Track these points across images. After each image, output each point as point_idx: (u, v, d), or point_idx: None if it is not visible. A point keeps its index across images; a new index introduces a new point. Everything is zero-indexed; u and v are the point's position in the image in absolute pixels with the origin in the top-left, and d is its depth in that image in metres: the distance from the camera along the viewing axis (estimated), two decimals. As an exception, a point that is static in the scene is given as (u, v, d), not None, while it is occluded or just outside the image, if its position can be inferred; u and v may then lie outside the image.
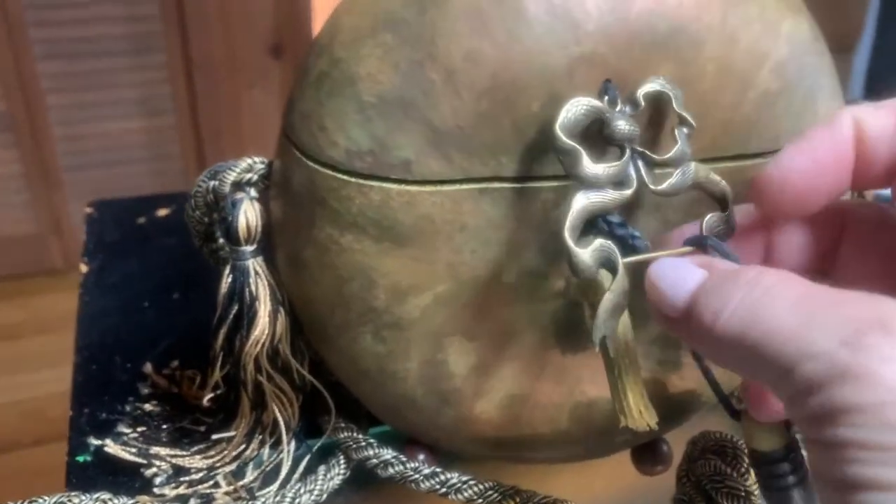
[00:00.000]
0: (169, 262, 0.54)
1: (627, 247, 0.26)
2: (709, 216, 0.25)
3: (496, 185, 0.28)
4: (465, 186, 0.27)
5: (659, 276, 0.22)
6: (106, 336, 0.46)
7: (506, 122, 0.26)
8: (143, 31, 1.49)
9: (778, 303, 0.19)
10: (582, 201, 0.25)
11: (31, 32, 1.39)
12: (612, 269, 0.25)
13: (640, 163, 0.26)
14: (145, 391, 0.42)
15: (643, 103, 0.26)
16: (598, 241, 0.25)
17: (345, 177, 0.28)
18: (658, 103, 0.27)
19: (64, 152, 1.51)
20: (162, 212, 0.59)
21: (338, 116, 0.28)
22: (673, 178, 0.26)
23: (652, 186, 0.26)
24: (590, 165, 0.25)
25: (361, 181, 0.28)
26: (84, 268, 0.52)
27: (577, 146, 0.25)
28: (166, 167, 1.58)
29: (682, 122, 0.27)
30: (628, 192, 0.26)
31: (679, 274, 0.22)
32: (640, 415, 0.29)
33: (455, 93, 0.26)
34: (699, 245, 0.25)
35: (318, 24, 1.60)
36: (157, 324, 0.47)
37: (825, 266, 0.26)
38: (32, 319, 1.43)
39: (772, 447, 0.28)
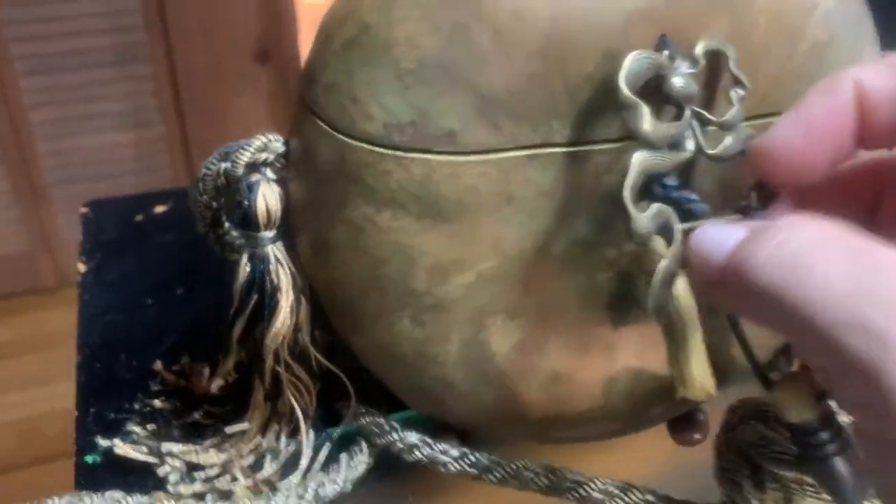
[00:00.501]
0: (169, 258, 0.52)
1: (684, 211, 0.24)
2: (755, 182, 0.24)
3: (546, 150, 0.26)
4: (513, 154, 0.26)
5: (701, 239, 0.21)
6: (108, 334, 0.44)
7: (558, 84, 0.25)
8: (127, 41, 1.47)
9: (821, 259, 0.17)
10: (642, 160, 0.24)
11: (12, 48, 1.37)
12: (669, 235, 0.24)
13: (696, 123, 0.25)
14: (154, 388, 0.40)
15: (702, 61, 0.25)
16: (657, 206, 0.24)
17: (382, 150, 0.26)
18: (713, 61, 0.26)
19: (51, 167, 1.49)
20: (159, 208, 0.57)
21: (372, 86, 0.26)
22: (727, 142, 0.25)
23: (708, 150, 0.25)
24: (652, 122, 0.24)
25: (401, 154, 0.26)
26: (82, 267, 0.50)
27: (639, 100, 0.24)
28: (155, 178, 1.56)
29: (737, 82, 0.25)
30: (687, 153, 0.25)
31: (721, 235, 0.21)
32: (701, 384, 0.28)
33: (504, 54, 0.25)
34: (746, 215, 0.24)
35: (303, 29, 1.59)
36: (160, 320, 0.46)
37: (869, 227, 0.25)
38: (24, 338, 1.40)
39: (806, 418, 0.27)
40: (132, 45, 1.47)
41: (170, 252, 0.52)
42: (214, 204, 0.32)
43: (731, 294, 0.20)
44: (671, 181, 0.25)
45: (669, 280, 0.24)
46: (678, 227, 0.24)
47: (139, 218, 0.56)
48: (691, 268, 0.22)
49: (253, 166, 0.30)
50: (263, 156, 0.30)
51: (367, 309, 0.29)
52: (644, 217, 0.24)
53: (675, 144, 0.25)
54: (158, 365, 0.41)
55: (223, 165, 0.30)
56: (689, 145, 0.25)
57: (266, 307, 0.31)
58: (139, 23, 1.45)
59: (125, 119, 1.52)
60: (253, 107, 1.60)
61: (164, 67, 1.50)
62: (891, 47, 0.32)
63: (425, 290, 0.28)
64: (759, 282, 0.18)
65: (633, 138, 0.24)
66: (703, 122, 0.25)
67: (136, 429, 0.37)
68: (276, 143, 0.30)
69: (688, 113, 0.25)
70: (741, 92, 0.25)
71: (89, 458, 0.36)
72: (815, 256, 0.17)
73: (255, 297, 0.31)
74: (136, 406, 0.39)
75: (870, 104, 0.21)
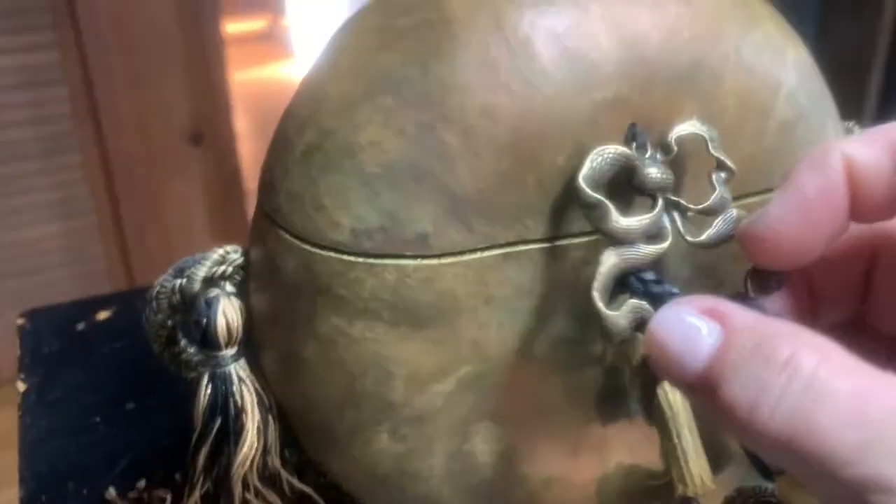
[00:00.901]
0: (117, 369, 0.49)
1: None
2: (751, 269, 0.23)
3: (522, 247, 0.25)
4: (488, 253, 0.25)
5: (660, 333, 0.18)
6: (55, 461, 0.41)
7: (530, 180, 0.24)
8: (54, 131, 1.43)
9: (828, 405, 0.15)
10: (612, 259, 0.23)
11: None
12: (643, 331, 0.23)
13: (674, 213, 0.24)
14: (109, 520, 0.37)
15: (675, 148, 0.24)
16: (632, 302, 0.23)
17: (352, 258, 0.25)
18: (689, 147, 0.25)
19: (-23, 265, 1.43)
20: (102, 315, 0.54)
21: (338, 193, 0.25)
22: (713, 228, 0.24)
23: (690, 238, 0.24)
24: (619, 219, 0.23)
25: (372, 261, 0.24)
26: (22, 386, 0.47)
27: (604, 199, 0.23)
28: (90, 269, 1.51)
29: (721, 166, 0.25)
30: (663, 245, 0.24)
31: (690, 335, 0.18)
32: (700, 479, 0.27)
33: (473, 153, 0.24)
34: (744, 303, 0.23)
35: (238, 108, 1.58)
36: (112, 440, 0.42)
37: (862, 295, 0.24)
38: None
39: None
40: (60, 135, 1.44)
41: (117, 362, 0.49)
42: (170, 322, 0.30)
43: (716, 412, 0.17)
44: (649, 275, 0.24)
45: (654, 380, 0.24)
46: None
47: (81, 326, 0.52)
48: (654, 362, 0.19)
49: (210, 281, 0.28)
50: (221, 269, 0.28)
51: (342, 427, 0.27)
52: (617, 316, 0.23)
53: (652, 236, 0.24)
54: (112, 493, 0.38)
55: (178, 282, 0.28)
56: (667, 236, 0.24)
57: (231, 431, 0.28)
58: (66, 111, 1.42)
59: (55, 210, 1.47)
60: (188, 190, 1.58)
61: (95, 155, 1.47)
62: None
63: (404, 401, 0.26)
64: (769, 435, 0.16)
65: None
66: (682, 210, 0.24)
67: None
68: (234, 255, 0.28)
69: (661, 203, 0.24)
70: (724, 175, 0.25)
71: None
72: (822, 404, 0.16)
73: (218, 420, 0.28)
74: (92, 541, 0.35)
75: (861, 179, 0.20)
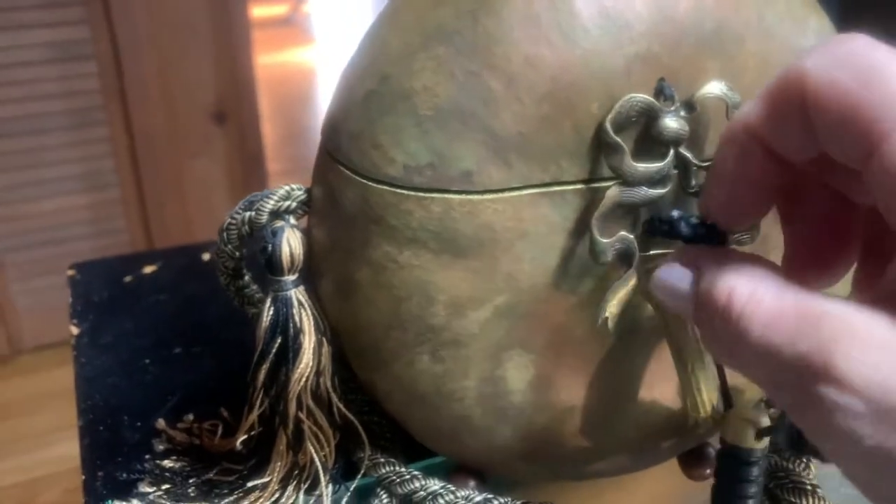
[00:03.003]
0: (164, 318, 0.52)
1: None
2: None
3: (556, 188, 0.28)
4: (525, 192, 0.28)
5: (659, 282, 0.23)
6: (109, 396, 0.44)
7: (566, 125, 0.27)
8: (83, 105, 1.46)
9: (751, 331, 0.19)
10: (615, 193, 0.27)
11: (-34, 114, 1.36)
12: (629, 262, 0.27)
13: (682, 165, 0.27)
14: (160, 448, 0.40)
15: (698, 108, 0.27)
16: (621, 234, 0.27)
17: (403, 191, 0.28)
18: (710, 106, 0.28)
19: (4, 234, 1.46)
20: (148, 269, 0.57)
21: (393, 132, 0.28)
22: None
23: (689, 190, 0.28)
24: (631, 163, 0.26)
25: (421, 194, 0.27)
26: (75, 329, 0.50)
27: (621, 142, 0.26)
28: (112, 242, 1.54)
29: None
30: (663, 191, 0.28)
31: (673, 281, 0.22)
32: (713, 408, 0.29)
33: (516, 98, 0.26)
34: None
35: (262, 88, 1.60)
36: (162, 380, 0.45)
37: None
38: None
39: (738, 443, 0.29)
40: (88, 110, 1.47)
41: (164, 312, 0.52)
42: (237, 254, 0.33)
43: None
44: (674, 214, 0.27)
45: (623, 300, 0.28)
46: (638, 255, 0.27)
47: (128, 279, 0.56)
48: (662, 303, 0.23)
49: (276, 213, 0.31)
50: (287, 203, 0.31)
51: (388, 347, 0.30)
52: (606, 243, 0.27)
53: (656, 181, 0.27)
54: (162, 423, 0.41)
55: (247, 214, 0.31)
56: (668, 184, 0.27)
57: (290, 349, 0.32)
58: (95, 87, 1.45)
59: (80, 183, 1.51)
60: (210, 168, 1.61)
61: (121, 130, 1.50)
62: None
63: (443, 325, 0.29)
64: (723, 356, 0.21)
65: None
66: (688, 165, 0.27)
67: (150, 490, 0.37)
68: (298, 192, 0.32)
69: (671, 154, 0.27)
70: None
71: (103, 522, 0.36)
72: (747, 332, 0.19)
73: (278, 340, 0.32)
74: (147, 466, 0.38)
75: (773, 143, 0.21)
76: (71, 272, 0.56)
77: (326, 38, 3.48)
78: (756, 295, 0.19)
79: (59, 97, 1.44)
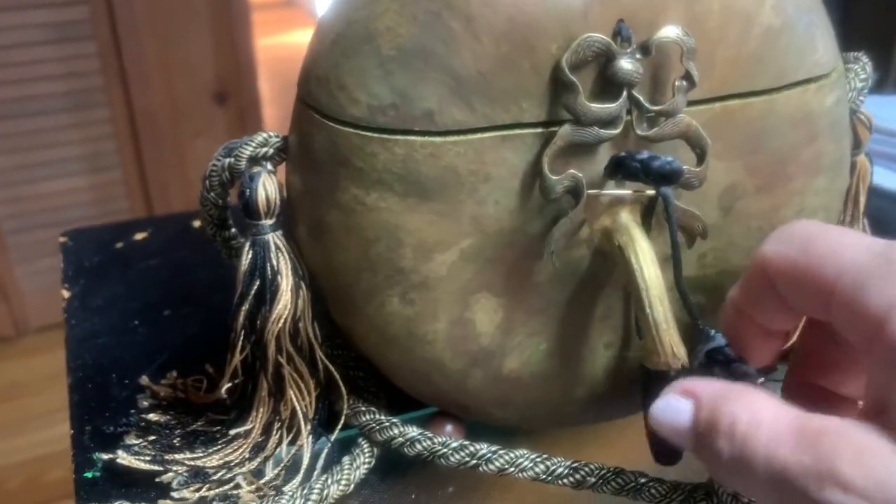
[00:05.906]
0: (154, 282, 0.52)
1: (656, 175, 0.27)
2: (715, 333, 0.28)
3: (518, 131, 0.28)
4: (487, 135, 0.28)
5: (657, 414, 0.25)
6: (99, 356, 0.45)
7: (525, 65, 0.27)
8: (84, 87, 1.47)
9: (756, 451, 0.21)
10: (567, 132, 0.28)
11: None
12: (577, 198, 0.28)
13: (635, 107, 0.28)
14: (146, 403, 0.41)
15: (654, 51, 0.27)
16: (570, 172, 0.28)
17: (368, 133, 0.28)
18: (668, 51, 0.28)
19: (7, 216, 1.47)
20: (139, 236, 0.58)
21: (357, 74, 0.28)
22: (660, 127, 0.28)
23: (639, 132, 0.28)
24: (584, 102, 0.27)
25: (385, 136, 0.28)
26: (66, 293, 0.51)
27: (576, 81, 0.27)
28: (114, 222, 1.55)
29: (687, 77, 0.28)
30: (614, 132, 0.28)
31: (672, 412, 0.24)
32: (672, 350, 0.30)
33: (475, 38, 0.27)
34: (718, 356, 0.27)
35: (264, 70, 1.61)
36: (150, 341, 0.46)
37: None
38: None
39: (654, 364, 0.29)
40: (89, 91, 1.47)
41: (155, 276, 0.53)
42: (220, 201, 0.34)
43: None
44: (643, 155, 0.27)
45: (569, 236, 0.29)
46: (586, 192, 0.28)
47: (119, 245, 0.56)
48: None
49: (254, 160, 0.32)
50: (264, 150, 0.32)
51: (360, 289, 0.31)
52: (554, 180, 0.28)
53: (608, 122, 0.28)
54: (146, 380, 0.42)
55: (227, 161, 0.32)
56: (619, 125, 0.28)
57: (268, 290, 0.32)
58: (95, 68, 1.46)
59: (82, 164, 1.52)
60: (212, 148, 1.59)
61: (122, 111, 1.51)
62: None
63: (412, 268, 0.30)
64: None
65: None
66: (640, 107, 0.28)
67: (136, 441, 0.37)
68: (275, 139, 0.32)
69: (624, 96, 0.27)
70: (686, 84, 0.28)
71: (88, 474, 0.36)
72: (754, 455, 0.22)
73: (257, 282, 0.32)
74: (133, 420, 0.39)
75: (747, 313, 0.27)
76: (63, 239, 0.57)
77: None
78: (756, 416, 0.22)
79: (60, 78, 1.45)
